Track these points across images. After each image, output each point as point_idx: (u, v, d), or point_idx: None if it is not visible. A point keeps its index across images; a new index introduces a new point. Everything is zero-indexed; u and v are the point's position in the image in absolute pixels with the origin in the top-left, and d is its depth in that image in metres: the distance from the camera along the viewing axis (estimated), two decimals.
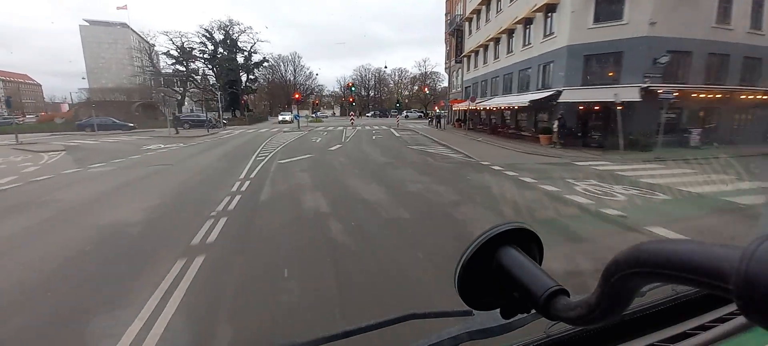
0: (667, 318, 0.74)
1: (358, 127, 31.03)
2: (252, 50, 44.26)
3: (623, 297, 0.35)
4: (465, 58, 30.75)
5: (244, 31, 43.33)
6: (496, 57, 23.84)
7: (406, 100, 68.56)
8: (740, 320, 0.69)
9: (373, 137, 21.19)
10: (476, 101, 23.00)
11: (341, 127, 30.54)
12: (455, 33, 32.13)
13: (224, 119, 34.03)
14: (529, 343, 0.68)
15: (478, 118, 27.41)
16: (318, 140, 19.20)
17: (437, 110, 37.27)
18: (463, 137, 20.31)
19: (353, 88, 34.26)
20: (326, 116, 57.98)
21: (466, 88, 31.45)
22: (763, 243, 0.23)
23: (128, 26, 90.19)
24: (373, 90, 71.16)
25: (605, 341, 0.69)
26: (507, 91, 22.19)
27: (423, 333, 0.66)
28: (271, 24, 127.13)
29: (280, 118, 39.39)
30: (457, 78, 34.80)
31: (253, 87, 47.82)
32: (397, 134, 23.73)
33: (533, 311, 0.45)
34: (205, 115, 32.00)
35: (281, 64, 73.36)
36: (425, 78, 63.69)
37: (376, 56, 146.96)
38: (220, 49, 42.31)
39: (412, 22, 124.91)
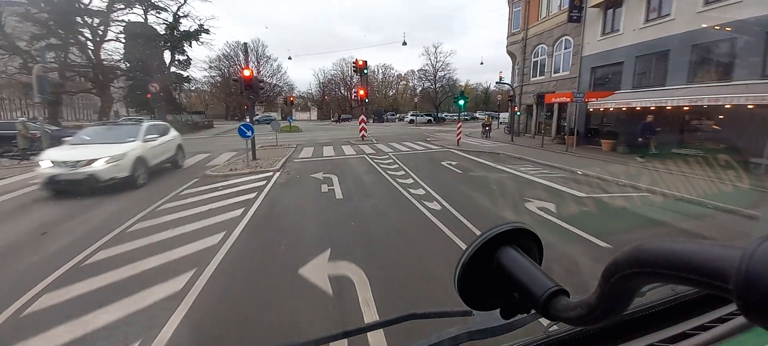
0: (667, 318, 0.72)
1: (378, 144, 15.22)
2: (179, 13, 26.13)
3: (623, 297, 0.34)
4: (606, 8, 15.66)
5: None
6: None
7: (416, 101, 54.39)
8: (740, 320, 0.67)
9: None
10: None
11: (353, 151, 14.36)
12: None
13: (67, 135, 15.61)
14: (529, 343, 0.66)
15: (668, 127, 12.52)
16: None
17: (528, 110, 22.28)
18: None
19: (366, 70, 18.09)
20: (299, 121, 43.38)
21: (593, 68, 16.56)
22: (763, 243, 0.23)
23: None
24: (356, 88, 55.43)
25: (605, 341, 0.67)
26: None
27: (423, 333, 0.63)
28: (232, 20, 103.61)
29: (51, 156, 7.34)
30: (550, 56, 19.72)
31: (183, 74, 28.79)
32: (580, 194, 8.19)
33: (533, 311, 0.44)
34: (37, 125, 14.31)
35: (241, 54, 55.94)
36: (436, 72, 48.65)
37: (343, 57, 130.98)
38: None
39: (382, 23, 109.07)
